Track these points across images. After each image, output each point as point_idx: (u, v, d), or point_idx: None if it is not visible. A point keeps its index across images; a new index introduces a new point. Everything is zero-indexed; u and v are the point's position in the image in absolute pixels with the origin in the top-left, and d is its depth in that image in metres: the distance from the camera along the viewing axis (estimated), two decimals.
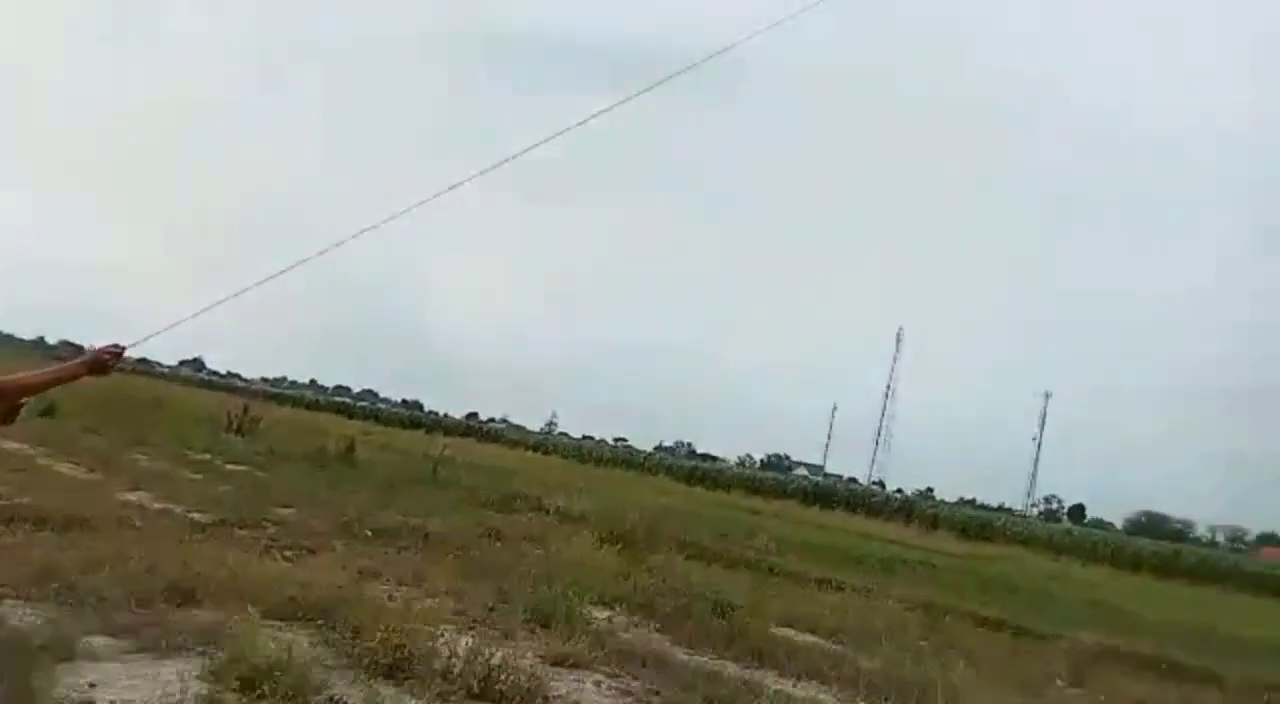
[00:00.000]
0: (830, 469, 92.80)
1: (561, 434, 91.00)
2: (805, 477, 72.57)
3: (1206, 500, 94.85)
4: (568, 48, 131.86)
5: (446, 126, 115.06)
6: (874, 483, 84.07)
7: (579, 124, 4.40)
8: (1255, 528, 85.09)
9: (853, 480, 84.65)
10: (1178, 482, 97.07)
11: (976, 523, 44.45)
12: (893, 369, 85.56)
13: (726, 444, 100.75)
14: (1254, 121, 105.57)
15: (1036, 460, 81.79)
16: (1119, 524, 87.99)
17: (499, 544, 11.94)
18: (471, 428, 75.76)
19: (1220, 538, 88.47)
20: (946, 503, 65.71)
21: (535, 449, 62.75)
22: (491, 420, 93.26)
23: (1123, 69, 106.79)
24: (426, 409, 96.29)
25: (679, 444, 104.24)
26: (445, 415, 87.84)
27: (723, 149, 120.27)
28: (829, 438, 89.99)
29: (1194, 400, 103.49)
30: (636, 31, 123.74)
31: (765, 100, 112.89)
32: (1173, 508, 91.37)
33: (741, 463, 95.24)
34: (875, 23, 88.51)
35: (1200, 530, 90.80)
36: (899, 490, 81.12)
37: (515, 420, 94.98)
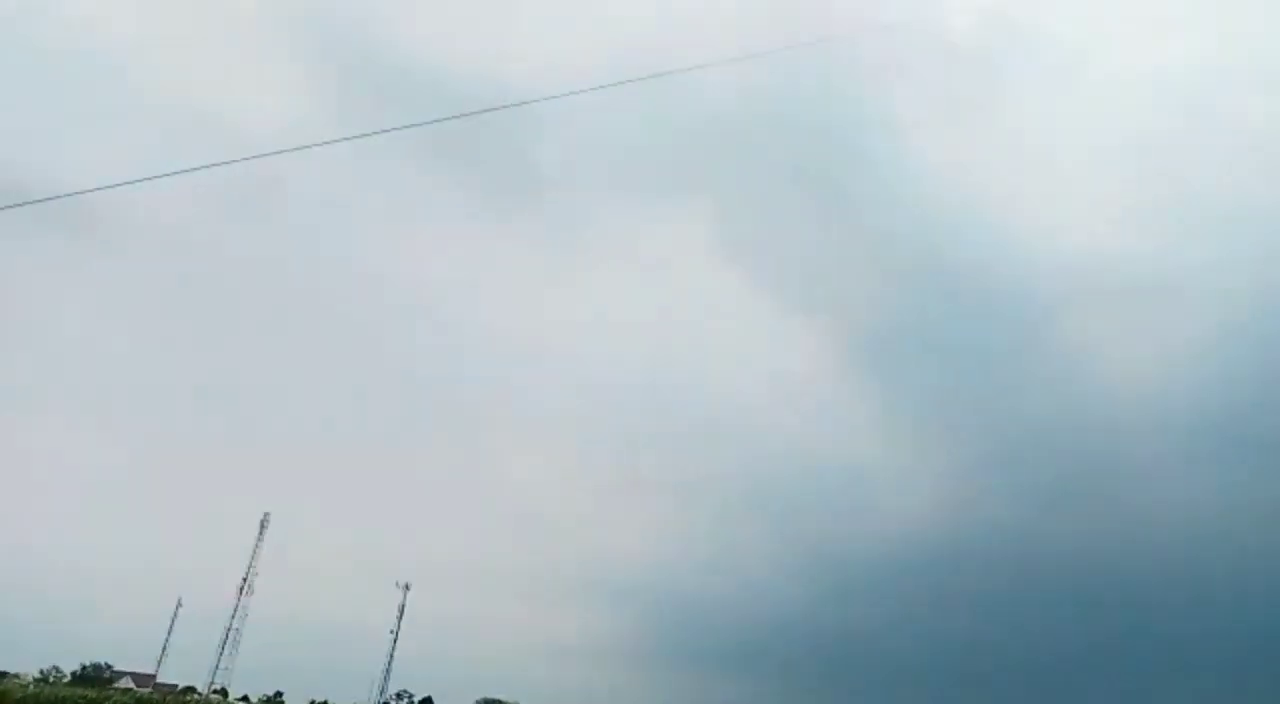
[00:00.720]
0: (165, 678, 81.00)
1: None
2: (129, 690, 61.95)
3: (536, 685, 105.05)
4: None
5: None
6: (215, 691, 75.36)
7: None
8: None
9: (190, 689, 75.02)
10: (512, 669, 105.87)
11: None
12: (252, 561, 79.85)
13: (26, 655, 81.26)
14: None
15: (392, 654, 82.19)
16: None
17: None
18: None
19: None
20: None
21: None
22: None
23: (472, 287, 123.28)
24: None
25: None
26: None
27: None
28: (166, 642, 78.92)
29: (531, 594, 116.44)
30: None
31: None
32: (509, 693, 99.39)
33: (45, 678, 78.17)
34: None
35: None
36: (244, 698, 74.02)
37: None
